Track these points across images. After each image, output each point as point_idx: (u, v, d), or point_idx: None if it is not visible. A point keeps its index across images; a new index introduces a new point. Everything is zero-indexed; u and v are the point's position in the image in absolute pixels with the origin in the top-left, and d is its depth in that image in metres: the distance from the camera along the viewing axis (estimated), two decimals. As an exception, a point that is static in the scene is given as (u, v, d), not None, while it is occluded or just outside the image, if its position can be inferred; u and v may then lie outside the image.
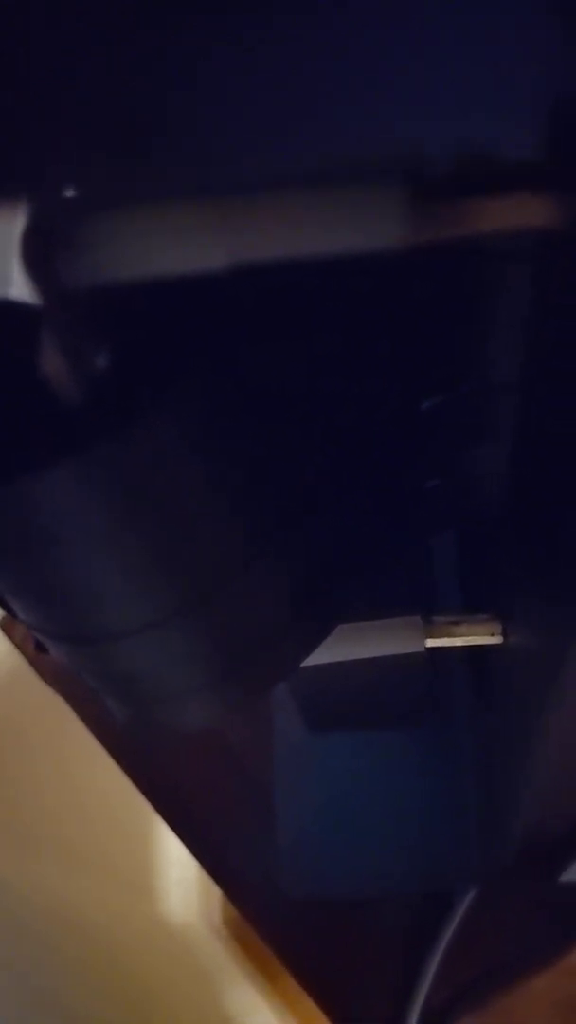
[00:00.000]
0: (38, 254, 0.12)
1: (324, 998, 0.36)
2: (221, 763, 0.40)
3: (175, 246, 0.12)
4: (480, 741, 0.35)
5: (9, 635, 0.41)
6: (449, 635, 0.23)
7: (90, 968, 0.40)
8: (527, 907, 0.35)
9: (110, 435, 0.14)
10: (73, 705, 0.39)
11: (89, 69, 0.11)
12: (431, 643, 0.23)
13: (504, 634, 0.23)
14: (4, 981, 0.36)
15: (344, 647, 0.23)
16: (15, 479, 0.15)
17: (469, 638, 0.23)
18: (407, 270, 0.14)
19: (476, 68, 0.11)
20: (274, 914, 0.37)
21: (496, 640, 0.23)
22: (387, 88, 0.11)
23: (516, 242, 0.12)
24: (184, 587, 0.18)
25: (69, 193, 0.12)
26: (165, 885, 0.41)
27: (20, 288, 0.13)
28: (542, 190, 0.12)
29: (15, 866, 0.38)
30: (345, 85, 0.11)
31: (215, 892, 0.39)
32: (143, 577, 0.17)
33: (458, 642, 0.23)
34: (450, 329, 0.17)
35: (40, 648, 0.19)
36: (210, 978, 0.41)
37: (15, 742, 0.39)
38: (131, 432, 0.14)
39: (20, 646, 0.41)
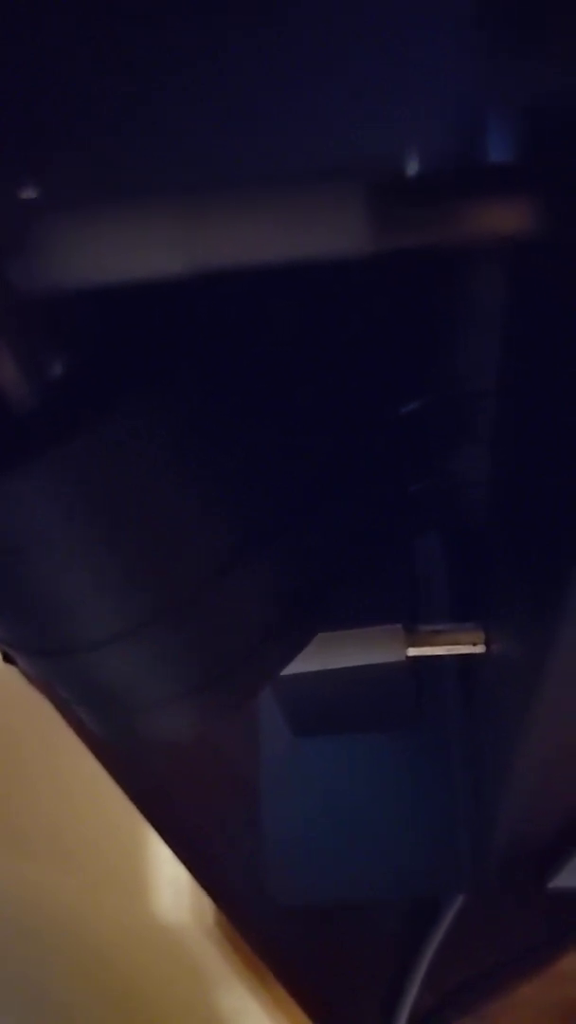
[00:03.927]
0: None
1: (313, 1004, 0.36)
2: (210, 768, 0.39)
3: (131, 251, 0.12)
4: (467, 746, 0.35)
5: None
6: (431, 644, 0.22)
7: (81, 968, 0.40)
8: (515, 913, 0.35)
9: (66, 443, 0.14)
10: (60, 709, 0.39)
11: (45, 69, 0.11)
12: (413, 652, 0.22)
13: (487, 643, 0.22)
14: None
15: (325, 655, 0.23)
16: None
17: (451, 647, 0.22)
18: (376, 276, 0.13)
19: (443, 73, 0.10)
20: (263, 920, 0.37)
21: (478, 649, 0.22)
22: (352, 92, 0.10)
23: (486, 248, 0.12)
24: (157, 595, 0.17)
25: (22, 195, 0.11)
26: (157, 885, 0.41)
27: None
28: (513, 196, 0.11)
29: (6, 866, 0.38)
30: (311, 89, 0.10)
31: (206, 892, 0.39)
32: (113, 586, 0.17)
33: (440, 651, 0.22)
34: (424, 335, 0.17)
35: (8, 660, 0.18)
36: (202, 978, 0.41)
37: (6, 743, 0.39)
38: (88, 439, 0.14)
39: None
